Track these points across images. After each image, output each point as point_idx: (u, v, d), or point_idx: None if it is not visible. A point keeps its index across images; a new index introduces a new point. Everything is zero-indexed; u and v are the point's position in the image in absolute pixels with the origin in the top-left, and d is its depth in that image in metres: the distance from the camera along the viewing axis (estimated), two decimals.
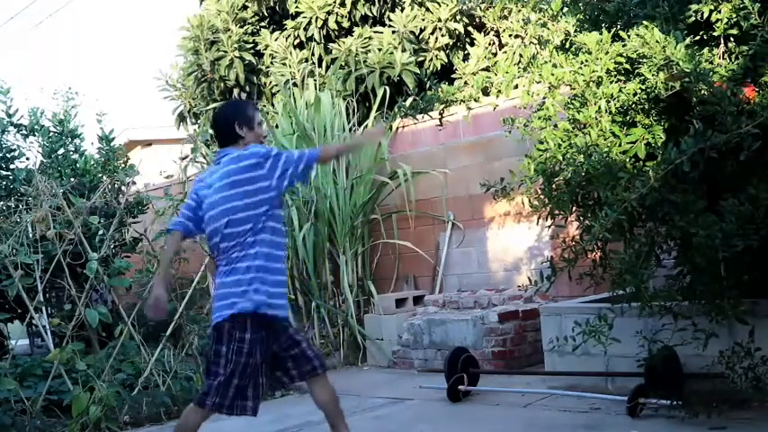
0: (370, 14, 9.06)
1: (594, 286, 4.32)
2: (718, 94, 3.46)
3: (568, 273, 3.92)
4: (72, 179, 7.62)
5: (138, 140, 13.39)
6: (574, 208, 4.20)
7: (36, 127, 7.94)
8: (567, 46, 4.37)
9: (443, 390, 5.01)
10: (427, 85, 8.55)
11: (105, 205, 6.72)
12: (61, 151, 8.06)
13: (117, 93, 32.27)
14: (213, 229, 3.36)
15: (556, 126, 4.19)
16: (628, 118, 3.97)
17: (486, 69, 8.12)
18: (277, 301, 3.33)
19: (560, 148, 4.04)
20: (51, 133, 8.05)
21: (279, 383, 3.55)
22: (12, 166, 7.76)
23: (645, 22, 3.80)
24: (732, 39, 3.79)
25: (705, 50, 3.83)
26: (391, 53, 8.41)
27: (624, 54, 3.86)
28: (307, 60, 9.02)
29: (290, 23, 9.24)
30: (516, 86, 4.56)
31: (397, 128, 7.83)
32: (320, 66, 8.96)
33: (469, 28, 8.83)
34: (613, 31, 4.04)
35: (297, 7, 9.11)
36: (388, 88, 8.13)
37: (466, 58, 8.60)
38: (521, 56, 4.88)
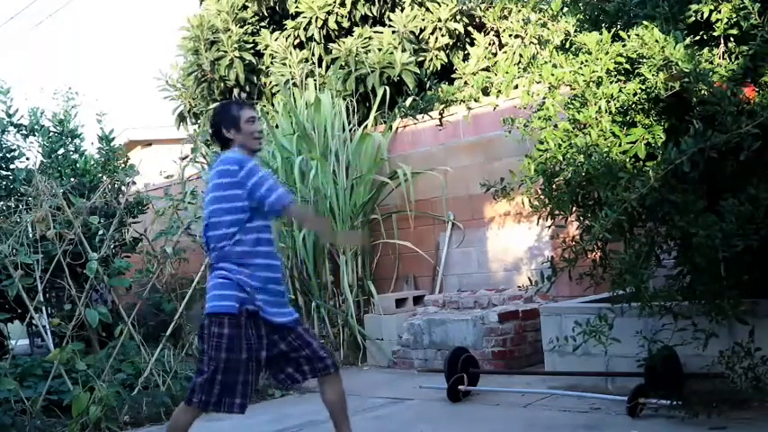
0: (370, 14, 9.05)
1: (594, 286, 4.32)
2: (718, 94, 3.46)
3: (568, 273, 3.92)
4: (72, 179, 7.62)
5: (138, 140, 13.39)
6: (574, 208, 4.20)
7: (36, 127, 7.94)
8: (567, 46, 4.37)
9: (443, 390, 5.01)
10: (427, 85, 8.56)
11: (105, 205, 6.73)
12: (61, 151, 8.06)
13: (117, 93, 32.28)
14: (203, 228, 3.50)
15: (556, 126, 4.19)
16: (628, 118, 3.97)
17: (486, 69, 8.12)
18: (263, 298, 3.34)
19: (560, 148, 4.04)
20: (51, 133, 8.05)
21: (291, 380, 3.54)
22: (12, 166, 7.77)
23: (645, 22, 3.80)
24: (732, 39, 3.79)
25: (705, 50, 3.83)
26: (391, 53, 8.41)
27: (624, 54, 3.86)
28: (307, 60, 9.02)
29: (290, 23, 9.24)
30: (516, 86, 4.56)
31: (397, 128, 7.83)
32: (320, 66, 8.96)
33: (469, 28, 8.83)
34: (613, 31, 4.04)
35: (297, 7, 9.11)
36: (388, 88, 8.13)
37: (466, 58, 8.60)
38: (521, 56, 4.89)
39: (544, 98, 4.35)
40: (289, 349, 3.42)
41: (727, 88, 3.51)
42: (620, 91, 3.86)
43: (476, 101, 5.47)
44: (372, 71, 8.35)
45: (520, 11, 5.01)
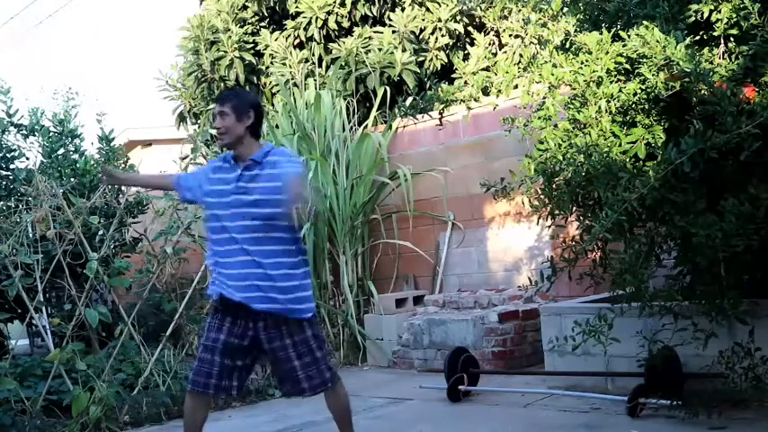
0: (370, 14, 9.05)
1: (594, 286, 4.33)
2: (718, 94, 3.45)
3: (568, 273, 3.93)
4: (72, 179, 7.61)
5: (138, 140, 13.35)
6: (574, 208, 4.20)
7: (36, 127, 7.93)
8: (567, 46, 4.37)
9: (443, 390, 5.01)
10: (427, 85, 8.55)
11: (105, 205, 6.73)
12: (61, 151, 8.05)
13: (117, 93, 32.26)
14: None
15: (556, 126, 4.19)
16: (628, 118, 3.97)
17: (486, 69, 8.13)
18: (244, 291, 3.34)
19: (560, 148, 4.04)
20: (51, 133, 8.04)
21: (291, 395, 3.54)
22: (12, 166, 7.76)
23: (645, 22, 3.80)
24: (732, 39, 3.79)
25: (705, 50, 3.83)
26: (391, 53, 8.41)
27: (624, 54, 3.86)
28: (307, 60, 9.02)
29: (290, 23, 9.24)
30: (516, 86, 4.57)
31: (397, 128, 7.83)
32: (320, 66, 8.95)
33: (469, 28, 8.83)
34: (613, 31, 4.04)
35: (297, 7, 9.11)
36: (388, 88, 8.13)
37: (466, 58, 8.60)
38: (521, 56, 4.90)
39: (544, 98, 4.35)
40: (283, 355, 3.46)
41: (727, 88, 3.50)
42: (620, 91, 3.86)
43: (476, 101, 5.46)
44: (372, 71, 8.35)
45: (520, 11, 5.02)
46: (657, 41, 3.65)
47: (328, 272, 7.38)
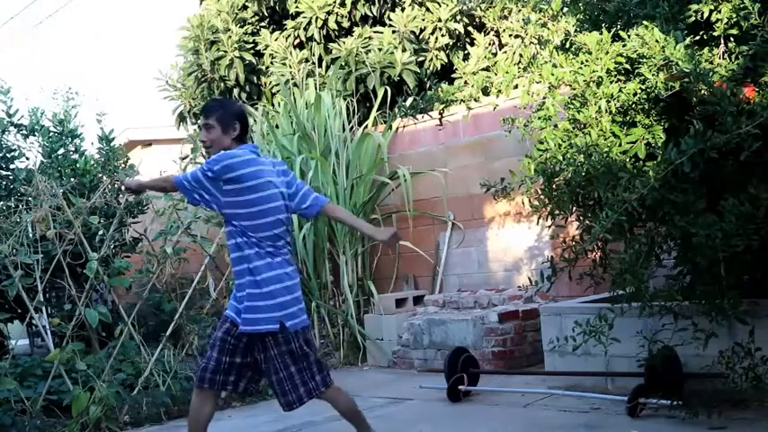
0: (370, 14, 9.05)
1: (594, 286, 4.33)
2: (718, 94, 3.45)
3: (568, 273, 3.93)
4: (72, 179, 7.61)
5: (138, 140, 13.35)
6: (574, 208, 4.20)
7: (36, 127, 7.93)
8: (567, 46, 4.37)
9: (443, 390, 5.01)
10: (427, 85, 8.56)
11: (105, 205, 6.72)
12: (61, 151, 8.05)
13: (117, 93, 32.26)
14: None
15: (556, 126, 4.19)
16: (628, 118, 3.97)
17: (486, 69, 8.13)
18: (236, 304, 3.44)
19: (560, 148, 4.04)
20: (51, 133, 8.04)
21: (291, 403, 3.56)
22: (12, 166, 7.76)
23: (645, 22, 3.80)
24: (732, 39, 3.79)
25: (705, 50, 3.83)
26: (391, 53, 8.41)
27: (624, 54, 3.86)
28: (307, 60, 9.02)
29: (290, 23, 9.24)
30: (516, 86, 4.57)
31: (397, 128, 7.83)
32: (320, 66, 8.95)
33: (469, 28, 8.83)
34: (613, 31, 4.04)
35: (297, 7, 9.11)
36: (388, 88, 8.13)
37: (466, 58, 8.60)
38: (521, 56, 4.90)
39: (544, 98, 4.35)
40: (270, 363, 3.51)
41: (727, 88, 3.51)
42: (620, 91, 3.86)
43: (476, 101, 5.46)
44: (373, 71, 8.35)
45: (520, 11, 5.02)
46: (657, 41, 3.65)
47: (328, 272, 7.38)
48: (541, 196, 4.16)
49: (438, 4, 8.82)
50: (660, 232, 3.89)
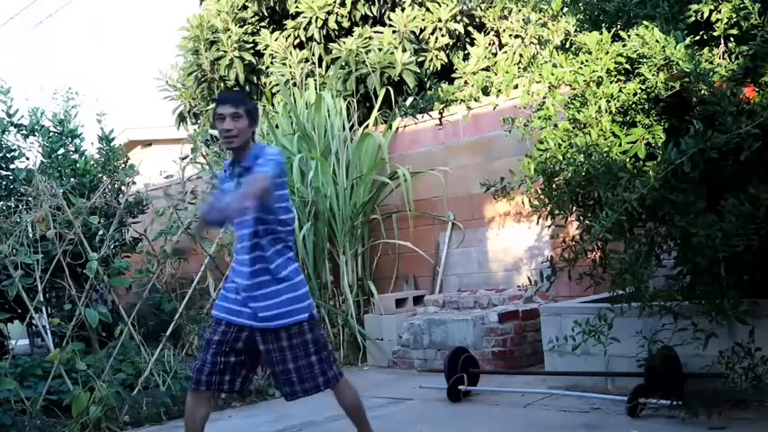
0: (370, 14, 9.05)
1: (594, 286, 4.33)
2: (718, 94, 3.46)
3: (568, 273, 3.93)
4: (72, 179, 7.62)
5: (138, 140, 13.38)
6: (574, 208, 4.20)
7: (36, 127, 7.94)
8: (567, 46, 4.37)
9: (443, 390, 5.01)
10: (427, 85, 8.56)
11: (105, 205, 6.73)
12: (61, 151, 8.06)
13: (117, 93, 32.27)
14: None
15: (556, 126, 4.19)
16: (628, 118, 3.97)
17: (486, 69, 8.13)
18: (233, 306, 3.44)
19: (560, 147, 4.04)
20: (51, 133, 8.05)
21: (308, 390, 3.51)
22: (12, 166, 7.76)
23: (645, 22, 3.80)
24: (732, 39, 3.79)
25: (705, 50, 3.83)
26: (392, 53, 8.41)
27: (624, 54, 3.86)
28: (307, 60, 9.02)
29: (290, 23, 9.24)
30: (516, 86, 4.57)
31: (398, 128, 7.83)
32: (320, 66, 8.95)
33: (469, 28, 8.83)
34: (613, 31, 4.04)
35: (297, 7, 9.11)
36: (388, 88, 8.13)
37: (466, 58, 8.60)
38: (521, 56, 4.90)
39: (544, 98, 4.35)
40: (273, 359, 3.49)
41: (727, 88, 3.51)
42: (620, 91, 3.86)
43: (476, 100, 5.48)
44: (373, 71, 8.35)
45: (520, 11, 5.02)
46: (657, 41, 3.65)
47: (328, 272, 7.37)
48: (541, 196, 4.16)
49: (438, 4, 8.82)
50: (660, 232, 3.89)
